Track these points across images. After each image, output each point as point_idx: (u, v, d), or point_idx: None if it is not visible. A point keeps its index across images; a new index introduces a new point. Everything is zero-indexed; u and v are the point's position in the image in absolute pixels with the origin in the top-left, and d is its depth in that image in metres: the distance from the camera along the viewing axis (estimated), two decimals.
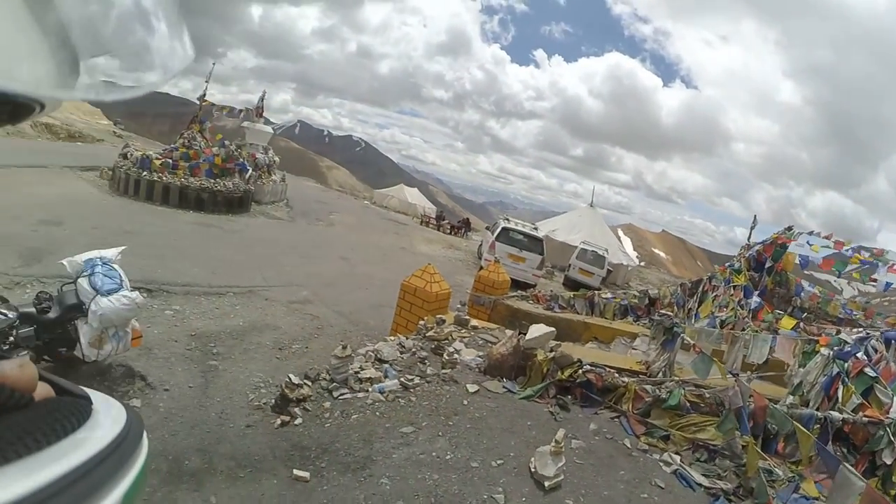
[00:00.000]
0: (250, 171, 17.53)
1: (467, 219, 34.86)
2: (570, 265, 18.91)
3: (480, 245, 19.04)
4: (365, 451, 3.95)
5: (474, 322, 6.94)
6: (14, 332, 4.05)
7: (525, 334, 5.52)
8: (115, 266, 4.65)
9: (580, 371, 5.18)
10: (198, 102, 17.47)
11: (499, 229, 15.89)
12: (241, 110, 20.18)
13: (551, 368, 5.18)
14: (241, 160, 17.36)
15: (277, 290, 8.95)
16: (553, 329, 5.70)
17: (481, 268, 12.05)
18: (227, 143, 17.37)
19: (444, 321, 6.27)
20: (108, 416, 0.48)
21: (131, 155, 15.07)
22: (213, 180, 15.55)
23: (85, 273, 4.44)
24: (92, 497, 0.37)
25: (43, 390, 0.44)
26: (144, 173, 14.51)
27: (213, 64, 18.04)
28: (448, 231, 29.41)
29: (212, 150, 16.55)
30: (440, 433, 4.23)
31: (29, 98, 0.38)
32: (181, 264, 8.96)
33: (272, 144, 21.56)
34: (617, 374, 5.41)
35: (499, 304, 8.77)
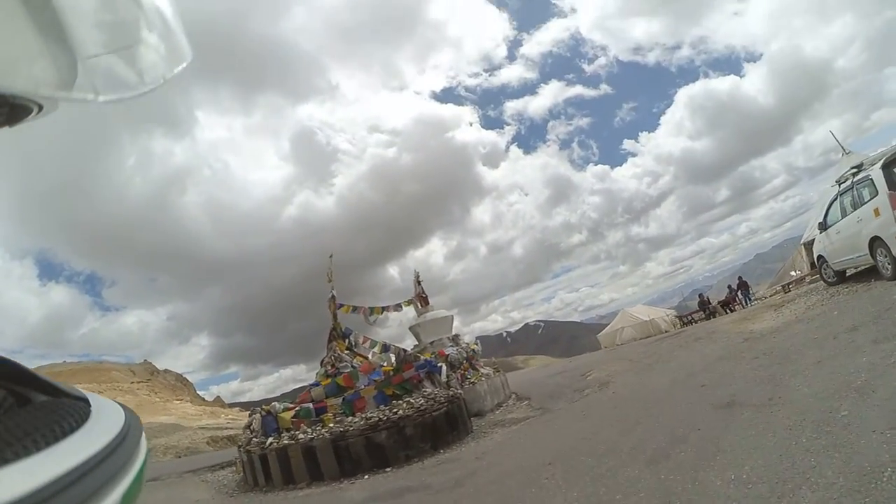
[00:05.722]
0: (443, 367, 10.44)
1: (740, 279, 26.06)
2: None
3: None
4: None
5: None
6: None
7: None
8: None
9: None
10: (329, 311, 11.53)
11: None
12: (397, 305, 14.12)
13: None
14: (425, 359, 10.47)
15: None
16: None
17: None
18: (392, 345, 10.83)
19: None
20: (106, 417, 0.48)
21: (256, 421, 8.94)
22: (387, 406, 8.54)
23: None
24: (91, 497, 0.36)
25: None
26: (270, 439, 8.05)
27: (331, 256, 12.45)
28: (725, 310, 23.60)
29: (375, 363, 9.97)
30: None
31: (27, 99, 0.37)
32: None
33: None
34: None
35: None
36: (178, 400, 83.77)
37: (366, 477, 7.19)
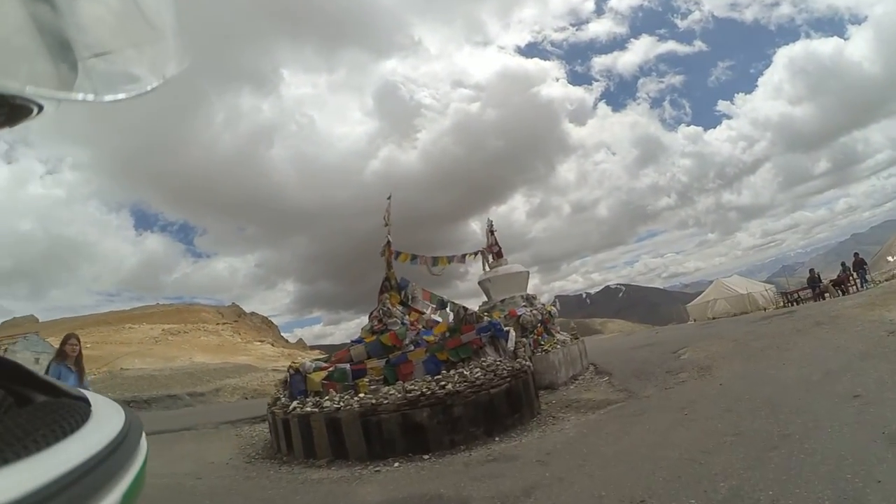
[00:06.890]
0: (510, 332, 8.75)
1: (856, 255, 21.55)
2: None
3: None
4: None
5: None
6: None
7: None
8: None
9: None
10: (383, 258, 10.06)
11: None
12: (464, 255, 12.54)
13: None
14: (491, 320, 8.81)
15: None
16: None
17: None
18: (449, 301, 9.25)
19: None
20: (106, 417, 0.47)
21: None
22: (436, 378, 6.98)
23: None
24: (91, 497, 0.36)
25: None
26: (295, 403, 6.76)
27: (390, 197, 10.92)
28: (837, 290, 20.47)
29: (428, 318, 8.50)
30: None
31: (26, 99, 0.36)
32: None
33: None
34: None
35: None
36: (259, 341, 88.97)
37: (396, 464, 5.73)
